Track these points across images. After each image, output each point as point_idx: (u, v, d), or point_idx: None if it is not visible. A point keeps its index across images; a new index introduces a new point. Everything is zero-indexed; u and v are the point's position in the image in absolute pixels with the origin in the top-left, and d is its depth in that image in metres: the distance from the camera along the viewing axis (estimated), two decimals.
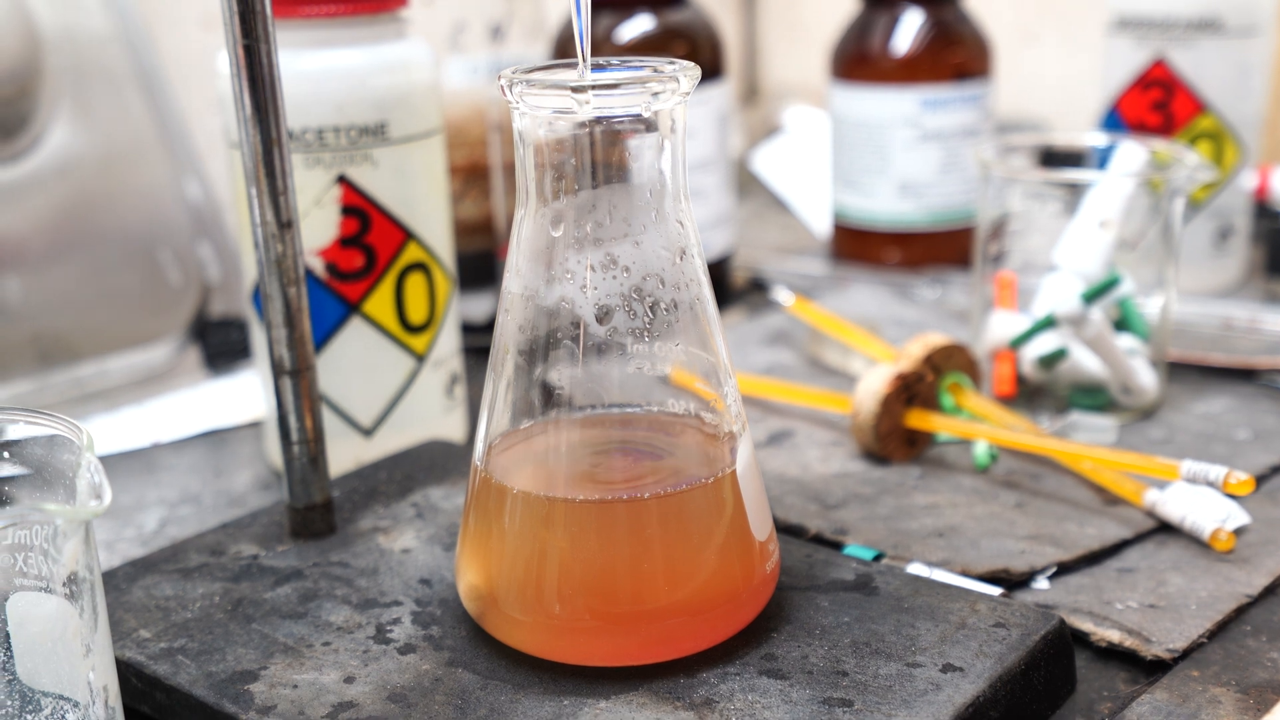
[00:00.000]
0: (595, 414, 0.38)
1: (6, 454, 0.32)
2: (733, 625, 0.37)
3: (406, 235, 0.52)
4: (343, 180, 0.51)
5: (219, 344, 0.69)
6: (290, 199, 0.42)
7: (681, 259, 0.36)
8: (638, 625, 0.36)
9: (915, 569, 0.44)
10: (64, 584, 0.29)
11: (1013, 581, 0.44)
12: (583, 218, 0.36)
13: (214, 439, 0.61)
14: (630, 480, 0.37)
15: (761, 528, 0.38)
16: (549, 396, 0.37)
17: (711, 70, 0.73)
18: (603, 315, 0.36)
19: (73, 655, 0.30)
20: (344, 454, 0.53)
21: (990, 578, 0.44)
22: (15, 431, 0.32)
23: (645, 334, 0.36)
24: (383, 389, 0.54)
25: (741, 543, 0.37)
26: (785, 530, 0.48)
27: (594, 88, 0.34)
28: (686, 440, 0.38)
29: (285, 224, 0.42)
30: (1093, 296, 0.55)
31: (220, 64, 0.51)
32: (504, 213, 0.72)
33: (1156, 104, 0.71)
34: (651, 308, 0.36)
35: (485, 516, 0.37)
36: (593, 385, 0.37)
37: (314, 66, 0.50)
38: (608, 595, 0.36)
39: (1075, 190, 0.57)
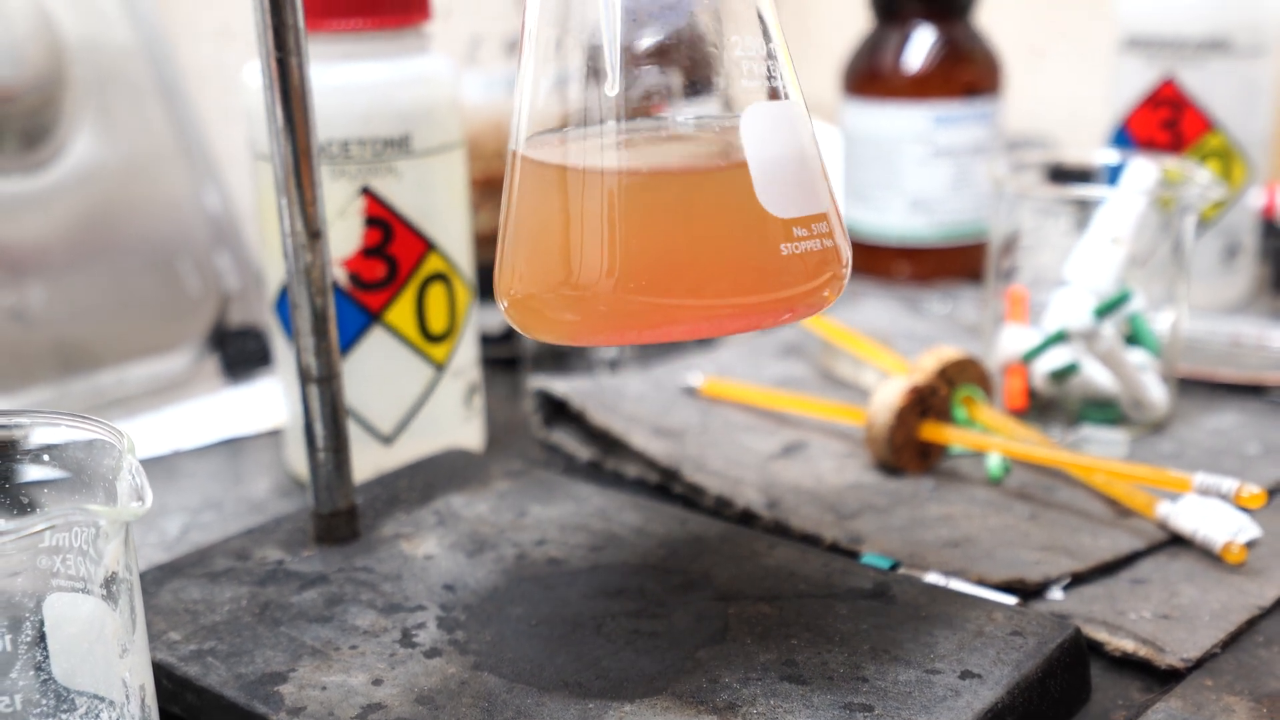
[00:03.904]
0: (634, 93, 0.37)
1: (46, 457, 0.33)
2: (757, 311, 0.36)
3: (428, 246, 0.53)
4: (366, 192, 0.51)
5: (237, 352, 0.69)
6: (319, 209, 0.43)
7: None
8: (669, 287, 0.35)
9: (932, 578, 0.44)
10: (102, 585, 0.30)
11: (1028, 591, 0.44)
12: None
13: (233, 446, 0.62)
14: (666, 157, 0.37)
15: (786, 207, 0.37)
16: (586, 77, 0.36)
17: None
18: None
19: (109, 655, 0.30)
20: (364, 462, 0.54)
21: (1005, 587, 0.44)
22: (57, 435, 0.32)
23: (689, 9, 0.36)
24: (403, 398, 0.54)
25: (759, 219, 0.36)
26: (801, 539, 0.48)
27: None
28: (725, 122, 0.38)
29: (314, 234, 0.43)
30: (1104, 312, 0.55)
31: (248, 76, 0.52)
32: None
33: (1165, 123, 0.72)
34: None
35: (523, 202, 0.38)
36: (632, 68, 0.36)
37: (340, 80, 0.51)
38: (643, 265, 0.35)
39: (1086, 207, 0.58)
